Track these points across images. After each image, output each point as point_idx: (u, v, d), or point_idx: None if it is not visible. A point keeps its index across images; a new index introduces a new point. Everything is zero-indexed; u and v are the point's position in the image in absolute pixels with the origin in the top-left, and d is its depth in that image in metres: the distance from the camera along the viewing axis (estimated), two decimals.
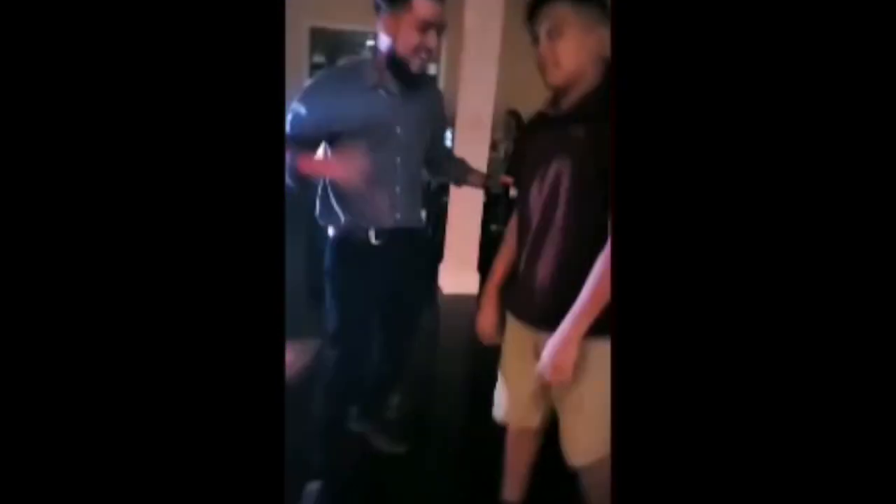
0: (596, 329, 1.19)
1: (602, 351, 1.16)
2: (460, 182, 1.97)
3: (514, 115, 5.29)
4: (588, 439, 1.32)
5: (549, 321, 1.24)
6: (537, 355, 1.28)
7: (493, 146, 4.69)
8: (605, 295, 1.15)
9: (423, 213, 3.86)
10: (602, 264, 1.17)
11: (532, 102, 4.26)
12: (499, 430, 1.63)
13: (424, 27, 1.51)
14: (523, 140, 1.45)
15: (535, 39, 1.26)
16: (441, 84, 5.90)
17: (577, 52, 1.22)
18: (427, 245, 4.40)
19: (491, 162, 4.39)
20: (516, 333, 1.43)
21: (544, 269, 1.29)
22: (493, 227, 4.84)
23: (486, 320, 1.51)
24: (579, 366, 1.23)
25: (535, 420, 1.49)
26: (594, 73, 1.25)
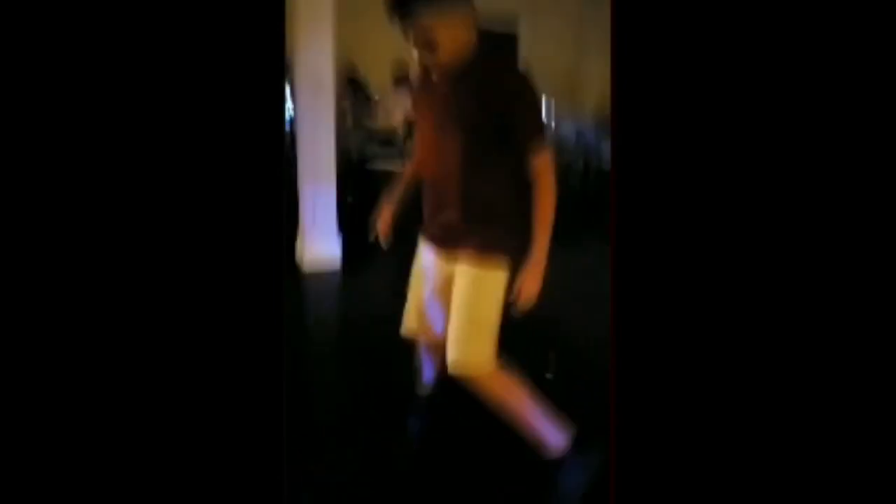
0: (495, 262, 1.52)
1: (497, 278, 1.53)
2: None
3: (353, 82, 5.28)
4: (472, 349, 1.55)
5: (462, 245, 1.56)
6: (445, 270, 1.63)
7: (342, 115, 4.52)
8: (551, 224, 1.46)
9: None
10: (541, 200, 1.45)
11: (373, 63, 4.20)
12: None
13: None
14: (416, 99, 1.70)
15: (409, 38, 1.43)
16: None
17: (453, 48, 1.44)
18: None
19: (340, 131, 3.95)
20: (426, 257, 1.71)
21: (453, 207, 1.55)
22: (350, 199, 4.72)
23: (384, 226, 1.82)
24: (479, 287, 1.54)
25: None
26: (468, 47, 1.47)
